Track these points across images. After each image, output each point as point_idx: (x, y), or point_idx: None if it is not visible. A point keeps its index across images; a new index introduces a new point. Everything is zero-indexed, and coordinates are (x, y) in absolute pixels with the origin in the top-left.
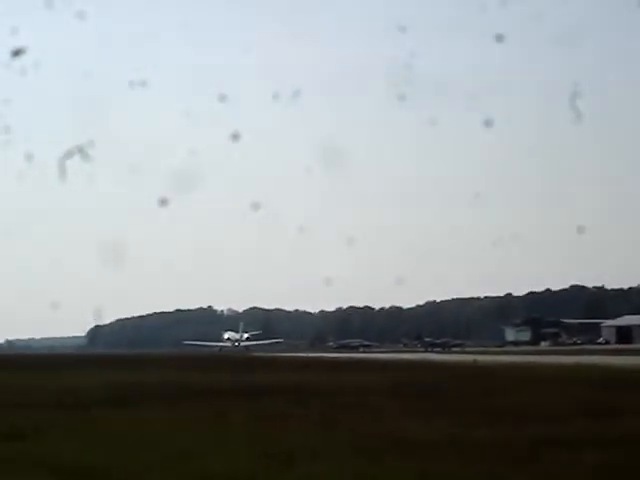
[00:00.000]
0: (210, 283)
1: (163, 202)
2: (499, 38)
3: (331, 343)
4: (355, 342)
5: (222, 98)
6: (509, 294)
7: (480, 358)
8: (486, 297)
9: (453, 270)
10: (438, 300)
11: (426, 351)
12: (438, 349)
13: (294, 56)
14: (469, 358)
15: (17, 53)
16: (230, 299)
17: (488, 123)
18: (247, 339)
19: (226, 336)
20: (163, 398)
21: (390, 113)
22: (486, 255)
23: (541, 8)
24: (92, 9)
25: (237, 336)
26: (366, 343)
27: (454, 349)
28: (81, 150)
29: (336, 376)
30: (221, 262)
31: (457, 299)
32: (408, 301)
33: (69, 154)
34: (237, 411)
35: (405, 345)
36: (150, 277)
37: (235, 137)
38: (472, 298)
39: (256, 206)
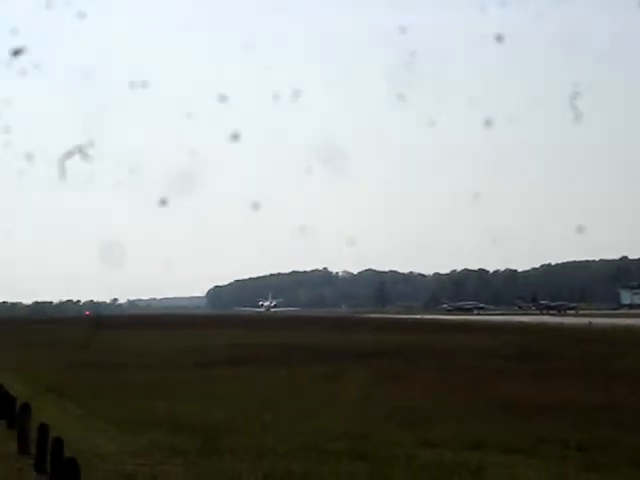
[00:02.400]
0: (326, 245)
1: (163, 202)
2: (499, 38)
3: (445, 305)
4: (469, 304)
5: (222, 98)
6: (624, 257)
7: (595, 321)
8: (601, 260)
9: (569, 233)
10: (553, 263)
11: (541, 314)
12: (553, 312)
13: (294, 56)
14: (584, 321)
15: (17, 53)
16: (345, 261)
17: (488, 123)
18: (275, 306)
19: (260, 303)
20: (283, 358)
21: (390, 113)
22: (601, 219)
23: (541, 8)
24: (92, 9)
25: (268, 303)
26: (480, 305)
27: (569, 312)
28: (81, 150)
29: (451, 338)
30: (336, 224)
31: (572, 262)
32: (523, 264)
33: (69, 154)
34: (354, 371)
35: (520, 308)
36: (267, 239)
37: (235, 137)
38: (587, 261)
39: (256, 206)
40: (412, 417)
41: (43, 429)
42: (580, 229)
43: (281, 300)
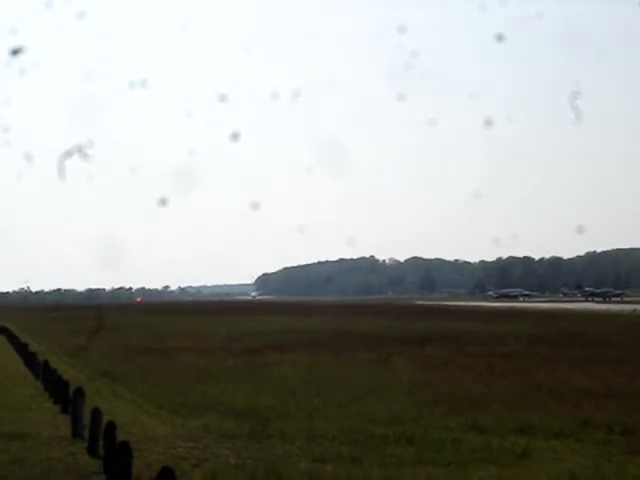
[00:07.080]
0: (372, 233)
1: (163, 202)
2: (499, 38)
3: (491, 292)
4: (515, 291)
5: (222, 98)
6: None
7: None
8: None
9: (613, 221)
10: (598, 250)
11: (586, 301)
12: (598, 299)
13: (294, 56)
14: (629, 308)
15: (16, 52)
16: (392, 249)
17: (488, 123)
18: (260, 294)
19: (250, 293)
20: (331, 343)
21: (390, 113)
22: None
23: (541, 8)
24: (92, 9)
25: (255, 294)
26: (526, 292)
27: (614, 299)
28: (81, 150)
29: (496, 324)
30: (383, 212)
31: (618, 249)
32: (568, 251)
33: (69, 154)
34: (401, 357)
35: (565, 295)
36: (312, 228)
37: (235, 137)
38: (633, 248)
39: (255, 205)
40: (458, 402)
41: (96, 413)
42: (624, 216)
43: (261, 292)
